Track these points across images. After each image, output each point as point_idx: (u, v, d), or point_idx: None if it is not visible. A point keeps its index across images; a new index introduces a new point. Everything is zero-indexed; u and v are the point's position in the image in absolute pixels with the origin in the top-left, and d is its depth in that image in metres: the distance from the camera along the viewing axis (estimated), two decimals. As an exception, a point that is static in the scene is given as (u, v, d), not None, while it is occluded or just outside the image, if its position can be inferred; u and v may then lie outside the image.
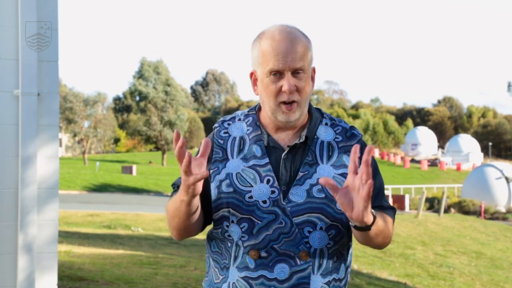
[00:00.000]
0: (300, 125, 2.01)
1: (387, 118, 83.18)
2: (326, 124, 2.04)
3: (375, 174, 2.03)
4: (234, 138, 2.03)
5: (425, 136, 71.17)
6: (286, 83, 1.92)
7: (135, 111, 70.48)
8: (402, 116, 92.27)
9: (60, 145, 68.28)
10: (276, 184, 1.94)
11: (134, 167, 47.90)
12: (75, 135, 55.31)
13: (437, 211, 25.83)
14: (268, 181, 1.94)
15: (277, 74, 1.93)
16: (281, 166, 1.96)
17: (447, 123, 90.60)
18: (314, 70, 2.01)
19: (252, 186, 1.94)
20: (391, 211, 2.08)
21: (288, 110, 1.94)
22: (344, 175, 1.95)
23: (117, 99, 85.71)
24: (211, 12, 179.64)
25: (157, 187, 38.31)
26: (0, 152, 4.16)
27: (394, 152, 73.07)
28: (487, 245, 18.73)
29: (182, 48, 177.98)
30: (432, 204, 34.72)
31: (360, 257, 14.16)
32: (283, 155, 1.97)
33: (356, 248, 15.55)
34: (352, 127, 2.06)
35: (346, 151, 1.99)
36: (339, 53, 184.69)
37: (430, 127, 78.62)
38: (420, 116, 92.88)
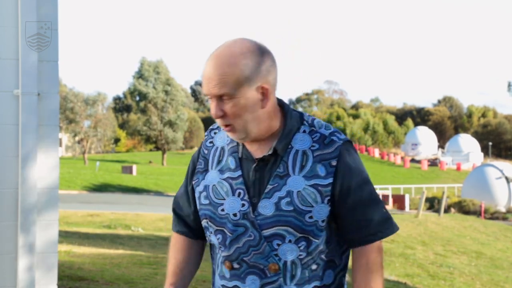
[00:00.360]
0: (268, 135, 1.95)
1: (387, 118, 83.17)
2: (304, 131, 1.95)
3: (361, 185, 1.95)
4: (217, 148, 2.03)
5: (425, 136, 71.17)
6: (212, 108, 1.90)
7: (135, 111, 70.48)
8: (402, 116, 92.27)
9: (60, 145, 68.29)
10: (246, 197, 1.93)
11: (134, 167, 47.92)
12: (75, 135, 55.32)
13: (437, 211, 25.83)
14: (239, 194, 1.94)
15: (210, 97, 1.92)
16: (251, 178, 1.94)
17: (447, 123, 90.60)
18: (263, 88, 1.88)
19: (224, 199, 1.96)
20: (378, 229, 1.97)
21: (228, 132, 1.93)
22: (315, 186, 1.90)
23: (117, 99, 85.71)
24: (211, 12, 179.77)
25: (157, 187, 38.30)
26: (0, 152, 4.16)
27: (394, 152, 73.07)
28: (487, 245, 18.73)
29: (182, 48, 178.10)
30: (432, 204, 34.73)
31: (360, 257, 14.15)
32: (253, 167, 1.94)
33: (356, 248, 15.50)
34: (333, 133, 1.95)
35: (322, 159, 1.91)
36: (339, 52, 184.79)
37: (430, 127, 78.65)
38: (420, 116, 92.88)
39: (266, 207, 1.91)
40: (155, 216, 19.47)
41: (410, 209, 34.22)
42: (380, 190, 40.38)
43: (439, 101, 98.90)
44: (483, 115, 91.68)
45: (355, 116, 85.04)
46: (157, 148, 67.73)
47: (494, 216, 32.41)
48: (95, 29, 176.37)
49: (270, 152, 1.93)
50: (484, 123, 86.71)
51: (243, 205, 1.93)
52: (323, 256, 1.96)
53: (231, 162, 1.98)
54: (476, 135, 76.94)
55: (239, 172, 1.96)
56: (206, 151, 2.05)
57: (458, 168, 59.13)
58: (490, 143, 75.32)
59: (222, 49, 1.88)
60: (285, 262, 1.91)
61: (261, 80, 1.88)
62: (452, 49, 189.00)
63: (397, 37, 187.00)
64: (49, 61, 4.25)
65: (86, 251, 10.03)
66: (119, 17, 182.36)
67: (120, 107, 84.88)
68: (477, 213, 31.79)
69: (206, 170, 2.02)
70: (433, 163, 64.17)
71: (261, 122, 1.91)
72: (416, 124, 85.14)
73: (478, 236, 20.24)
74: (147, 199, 31.72)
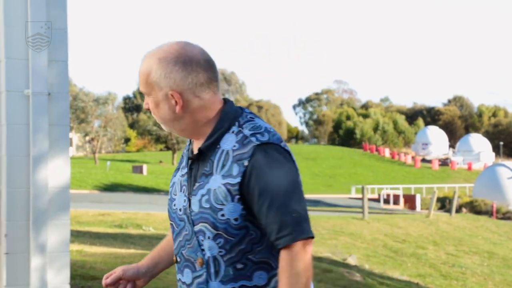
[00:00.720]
0: (202, 134, 2.03)
1: (397, 118, 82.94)
2: (233, 132, 2.00)
3: (271, 186, 1.92)
4: (187, 147, 2.17)
5: (435, 136, 70.97)
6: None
7: (145, 111, 70.61)
8: (412, 115, 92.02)
9: (71, 145, 68.60)
10: (187, 193, 2.05)
11: (145, 167, 48.03)
12: (86, 135, 55.48)
13: (448, 210, 25.73)
14: (183, 190, 2.07)
15: None
16: (189, 175, 2.06)
17: (457, 122, 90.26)
18: (173, 96, 1.97)
19: (176, 195, 2.10)
20: (286, 232, 1.90)
21: None
22: (226, 185, 1.94)
23: (127, 99, 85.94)
24: (217, 13, 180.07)
25: (167, 187, 38.35)
26: (11, 152, 4.17)
27: (405, 152, 72.84)
28: (499, 245, 18.64)
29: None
30: (444, 204, 34.61)
31: (371, 257, 14.12)
32: (189, 165, 2.07)
33: (368, 248, 15.47)
34: (254, 134, 1.97)
35: (238, 159, 1.95)
36: (349, 52, 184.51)
37: (441, 127, 78.39)
38: (430, 116, 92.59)
39: (194, 204, 2.00)
40: (165, 216, 19.45)
41: (421, 209, 34.11)
42: (391, 190, 40.29)
43: (449, 101, 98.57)
44: (494, 115, 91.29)
45: (365, 116, 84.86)
46: (167, 148, 67.89)
47: (506, 216, 32.25)
48: (105, 29, 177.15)
49: (196, 152, 2.04)
50: (495, 123, 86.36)
51: (185, 200, 2.05)
52: (250, 257, 1.96)
53: (184, 159, 2.12)
54: (487, 134, 76.62)
55: (186, 170, 2.08)
56: (185, 151, 2.17)
57: (469, 168, 58.91)
58: (501, 143, 74.96)
59: (151, 51, 2.04)
60: (209, 258, 1.98)
61: (170, 88, 1.98)
62: (462, 48, 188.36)
63: (407, 36, 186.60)
64: (59, 61, 4.26)
65: (98, 251, 10.06)
66: (129, 16, 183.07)
67: (130, 106, 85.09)
68: (488, 213, 31.66)
69: (178, 168, 2.15)
70: (444, 162, 63.95)
71: (180, 123, 2.03)
72: (427, 123, 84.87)
73: (490, 236, 20.14)
74: (158, 198, 31.77)
